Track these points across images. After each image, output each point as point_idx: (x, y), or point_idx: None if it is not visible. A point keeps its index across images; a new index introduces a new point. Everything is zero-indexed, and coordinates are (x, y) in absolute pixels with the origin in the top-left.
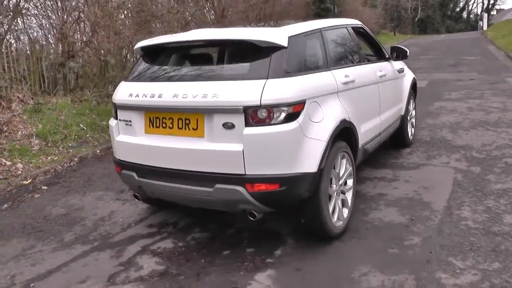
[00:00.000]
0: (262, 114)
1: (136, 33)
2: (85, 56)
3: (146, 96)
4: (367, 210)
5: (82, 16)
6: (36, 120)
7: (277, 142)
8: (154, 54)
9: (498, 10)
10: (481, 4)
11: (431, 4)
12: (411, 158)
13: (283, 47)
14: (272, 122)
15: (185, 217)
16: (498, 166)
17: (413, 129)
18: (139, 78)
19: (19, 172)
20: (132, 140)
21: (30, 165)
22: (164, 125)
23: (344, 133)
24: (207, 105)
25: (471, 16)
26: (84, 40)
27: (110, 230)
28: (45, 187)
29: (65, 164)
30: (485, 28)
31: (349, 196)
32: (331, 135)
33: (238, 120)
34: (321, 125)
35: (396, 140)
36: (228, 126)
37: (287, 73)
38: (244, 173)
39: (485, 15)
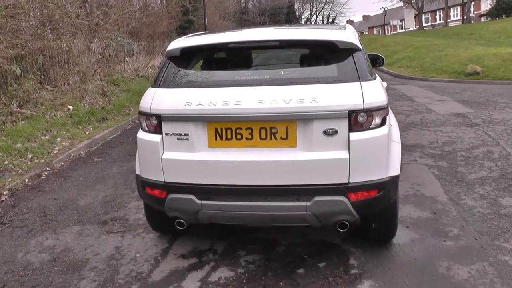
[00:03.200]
0: (363, 118)
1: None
2: None
3: (214, 104)
4: None
5: None
6: None
7: (377, 147)
8: (197, 57)
9: (349, 22)
10: (321, 21)
11: (278, 20)
12: None
13: (359, 49)
14: (371, 127)
15: (214, 241)
16: (458, 159)
17: None
18: (189, 84)
19: None
20: (191, 157)
21: None
22: (238, 136)
23: None
24: (305, 111)
25: None
26: None
27: (137, 269)
28: None
29: None
30: None
31: None
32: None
33: (342, 125)
34: (395, 128)
35: None
36: (330, 132)
37: (371, 76)
38: (348, 182)
39: None
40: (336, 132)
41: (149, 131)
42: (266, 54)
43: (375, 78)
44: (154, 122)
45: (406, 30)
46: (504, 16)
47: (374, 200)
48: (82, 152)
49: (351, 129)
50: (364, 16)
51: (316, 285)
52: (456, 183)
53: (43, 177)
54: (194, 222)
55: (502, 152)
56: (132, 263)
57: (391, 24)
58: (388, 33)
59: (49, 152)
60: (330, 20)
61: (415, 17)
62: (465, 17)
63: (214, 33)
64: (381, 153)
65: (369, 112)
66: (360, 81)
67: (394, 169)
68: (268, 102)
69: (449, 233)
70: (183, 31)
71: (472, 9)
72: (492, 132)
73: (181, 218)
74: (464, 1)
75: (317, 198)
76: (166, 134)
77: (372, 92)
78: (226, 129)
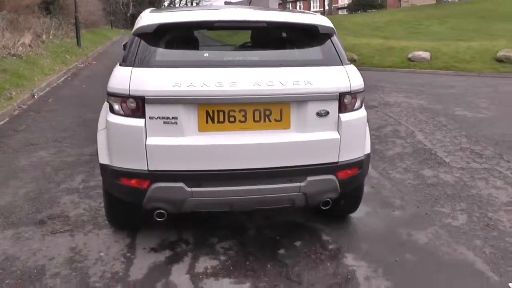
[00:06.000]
0: (348, 100)
1: None
2: None
3: (208, 85)
4: None
5: None
6: None
7: (359, 127)
8: (173, 34)
9: None
10: (185, 5)
11: (142, 0)
12: None
13: (335, 33)
14: (354, 108)
15: (180, 231)
16: (372, 138)
17: None
18: (175, 63)
19: None
20: (180, 142)
21: None
22: (231, 119)
23: None
24: (300, 92)
25: None
26: None
27: (109, 269)
28: None
29: None
30: None
31: None
32: None
33: (332, 107)
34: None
35: None
36: (323, 114)
37: (349, 60)
38: (337, 161)
39: None
40: (327, 113)
41: (125, 115)
42: (244, 35)
43: (350, 63)
44: (133, 104)
45: None
46: (361, 11)
47: (355, 177)
48: None
49: (340, 111)
50: (226, 2)
51: (303, 264)
52: (378, 159)
53: None
54: (176, 211)
55: (407, 131)
56: (100, 264)
57: None
58: None
59: None
60: (194, 4)
61: (279, 5)
62: (327, 8)
63: (189, 10)
64: (361, 133)
65: (354, 94)
66: (343, 65)
67: (368, 148)
68: (264, 84)
69: (394, 204)
70: (46, 6)
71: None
72: (391, 113)
73: (162, 209)
74: None
75: (310, 178)
76: (150, 118)
77: (355, 75)
78: (219, 111)
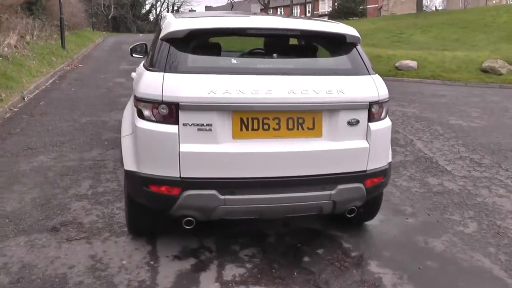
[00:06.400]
0: (376, 109)
1: None
2: None
3: (243, 93)
4: None
5: None
6: None
7: (386, 136)
8: (202, 40)
9: (191, 11)
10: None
11: (124, 3)
12: None
13: (359, 43)
14: (381, 117)
15: (200, 238)
16: None
17: None
18: (209, 69)
19: None
20: (214, 149)
21: None
22: (265, 126)
23: None
24: (333, 101)
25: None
26: None
27: (135, 277)
28: None
29: None
30: None
31: None
32: None
33: (362, 116)
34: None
35: None
36: (353, 123)
37: (373, 70)
38: (365, 169)
39: None
40: (358, 122)
41: (157, 121)
42: (254, 42)
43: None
44: (165, 111)
45: None
46: (343, 18)
47: (379, 185)
48: None
49: (369, 120)
50: (206, 7)
51: (329, 271)
52: None
53: None
54: (205, 219)
55: (406, 139)
56: (125, 272)
57: None
58: None
59: None
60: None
61: (261, 11)
62: (308, 15)
63: (217, 16)
64: (387, 142)
65: (381, 103)
66: (370, 74)
67: (390, 156)
68: (299, 92)
69: (405, 212)
70: (29, 6)
71: (310, 8)
72: None
73: (191, 216)
74: (307, 0)
75: (340, 186)
76: (184, 124)
77: (381, 85)
78: (253, 119)
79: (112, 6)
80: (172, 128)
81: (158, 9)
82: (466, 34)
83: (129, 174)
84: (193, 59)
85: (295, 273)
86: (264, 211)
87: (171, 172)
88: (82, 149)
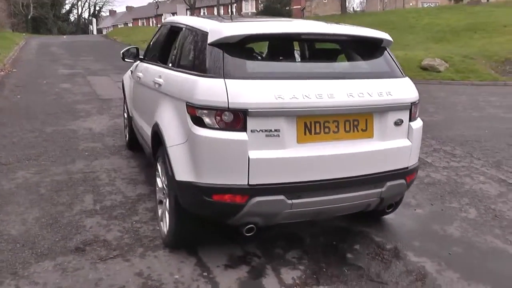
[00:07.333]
0: (414, 109)
1: None
2: None
3: (309, 97)
4: None
5: None
6: None
7: (420, 134)
8: (252, 44)
9: (111, 12)
10: (87, 10)
11: (44, 2)
12: None
13: (389, 47)
14: (416, 117)
15: (241, 245)
16: None
17: None
18: (271, 75)
19: None
20: (281, 155)
21: None
22: (326, 130)
23: None
24: (384, 103)
25: (81, 19)
26: None
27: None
28: None
29: None
30: (95, 32)
31: None
32: None
33: (405, 116)
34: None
35: None
36: (398, 123)
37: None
38: (407, 166)
39: (94, 20)
40: (402, 122)
41: (220, 129)
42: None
43: None
44: (228, 118)
45: None
46: None
47: (413, 181)
48: None
49: (410, 119)
50: (128, 7)
51: (375, 265)
52: None
53: None
54: (267, 224)
55: None
56: (182, 286)
57: (163, 17)
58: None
59: None
60: (98, 8)
61: (186, 11)
62: (234, 14)
63: (264, 21)
64: (420, 140)
65: (416, 104)
66: (404, 77)
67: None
68: (356, 95)
69: (411, 203)
70: None
71: (234, 9)
72: None
73: (253, 223)
74: (232, 1)
75: (388, 184)
76: (252, 131)
77: (414, 87)
78: (315, 122)
79: (31, 5)
80: (240, 135)
81: (80, 9)
82: (396, 34)
83: (184, 185)
84: (252, 64)
85: (346, 270)
86: (322, 212)
87: (238, 179)
88: (62, 161)
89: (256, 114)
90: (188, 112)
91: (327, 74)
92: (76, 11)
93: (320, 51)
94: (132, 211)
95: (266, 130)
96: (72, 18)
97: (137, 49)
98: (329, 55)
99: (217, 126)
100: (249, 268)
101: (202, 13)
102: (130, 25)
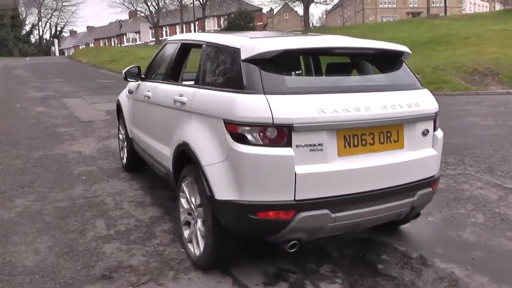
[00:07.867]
0: (437, 119)
1: None
2: None
3: (349, 111)
4: None
5: None
6: None
7: (442, 143)
8: (285, 59)
9: (72, 32)
10: (49, 30)
11: (5, 23)
12: None
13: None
14: (437, 126)
15: (273, 261)
16: None
17: None
18: (312, 89)
19: None
20: (324, 169)
21: None
22: (363, 142)
23: None
24: (413, 114)
25: (43, 40)
26: None
27: None
28: None
29: None
30: (57, 53)
31: None
32: None
33: (430, 126)
34: None
35: None
36: (425, 133)
37: None
38: (434, 175)
39: (56, 41)
40: (428, 131)
41: (265, 145)
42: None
43: None
44: (272, 133)
45: (144, 42)
46: None
47: (437, 189)
48: None
49: (434, 129)
50: (88, 27)
51: (407, 274)
52: None
53: None
54: (308, 239)
55: None
56: None
57: (127, 36)
58: (118, 45)
59: None
60: (59, 28)
61: (150, 29)
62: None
63: (293, 36)
64: (441, 149)
65: (437, 114)
66: (423, 88)
67: None
68: (389, 107)
69: (422, 212)
70: None
71: (196, 27)
72: None
73: (297, 239)
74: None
75: (419, 193)
76: (297, 146)
77: (434, 98)
78: (354, 135)
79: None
80: (287, 151)
81: (41, 30)
82: None
83: (226, 204)
84: (290, 79)
85: (381, 281)
86: (361, 224)
87: (284, 195)
88: (60, 187)
89: (301, 129)
90: (227, 129)
91: (362, 87)
92: (37, 32)
93: (346, 65)
94: (150, 234)
95: (310, 145)
96: (33, 40)
97: (139, 68)
98: (357, 69)
99: (261, 143)
100: (289, 285)
101: (164, 32)
102: (91, 45)
